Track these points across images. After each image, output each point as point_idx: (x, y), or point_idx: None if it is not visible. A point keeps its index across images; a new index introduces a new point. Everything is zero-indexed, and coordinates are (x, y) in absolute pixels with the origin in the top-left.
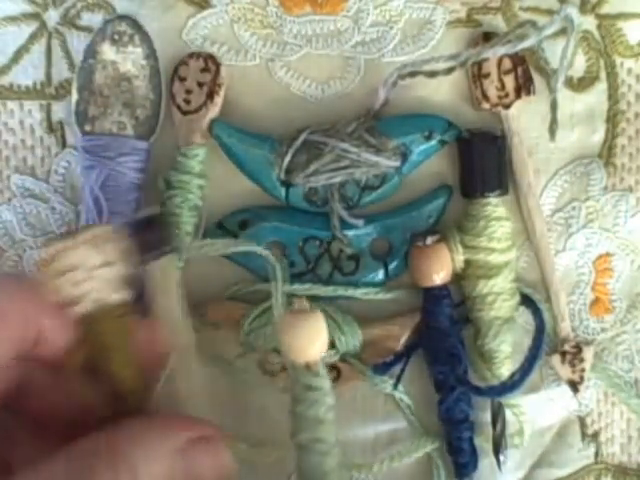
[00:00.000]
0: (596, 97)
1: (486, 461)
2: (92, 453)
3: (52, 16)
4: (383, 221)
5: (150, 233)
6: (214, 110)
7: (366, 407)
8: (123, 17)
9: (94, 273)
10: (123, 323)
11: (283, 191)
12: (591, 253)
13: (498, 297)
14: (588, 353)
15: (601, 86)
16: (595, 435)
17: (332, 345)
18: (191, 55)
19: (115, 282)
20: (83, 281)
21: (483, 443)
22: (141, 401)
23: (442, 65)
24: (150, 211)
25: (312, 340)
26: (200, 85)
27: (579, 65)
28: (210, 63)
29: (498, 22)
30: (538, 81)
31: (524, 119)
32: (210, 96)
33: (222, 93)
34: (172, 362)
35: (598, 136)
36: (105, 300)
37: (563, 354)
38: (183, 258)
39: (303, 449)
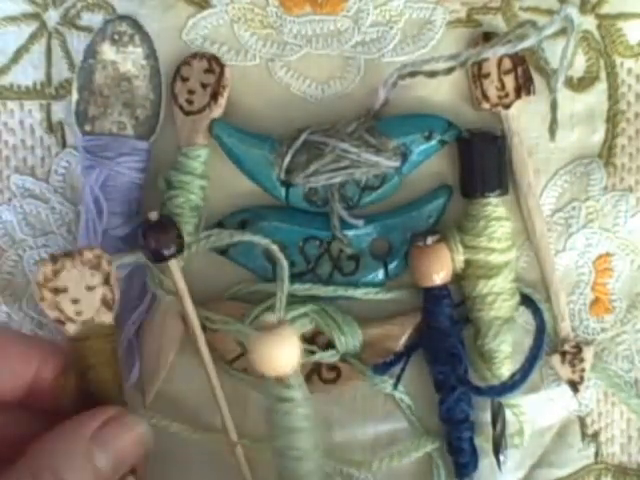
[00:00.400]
0: (596, 97)
1: (486, 461)
2: (16, 473)
3: (52, 16)
4: (383, 221)
5: (164, 233)
6: (217, 111)
7: (366, 407)
8: (123, 17)
9: (91, 293)
10: (110, 342)
11: (283, 191)
12: (591, 253)
13: (498, 297)
14: (588, 353)
15: (601, 86)
16: (595, 435)
17: (332, 345)
18: (194, 55)
19: (106, 303)
20: (80, 299)
21: (483, 443)
22: None
23: (442, 65)
24: (156, 214)
25: (281, 354)
26: (204, 86)
27: (579, 65)
28: (214, 64)
29: (498, 22)
30: (538, 81)
31: (524, 119)
32: (214, 97)
33: (226, 94)
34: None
35: (598, 136)
36: (96, 320)
37: (563, 354)
38: (186, 255)
39: (278, 454)
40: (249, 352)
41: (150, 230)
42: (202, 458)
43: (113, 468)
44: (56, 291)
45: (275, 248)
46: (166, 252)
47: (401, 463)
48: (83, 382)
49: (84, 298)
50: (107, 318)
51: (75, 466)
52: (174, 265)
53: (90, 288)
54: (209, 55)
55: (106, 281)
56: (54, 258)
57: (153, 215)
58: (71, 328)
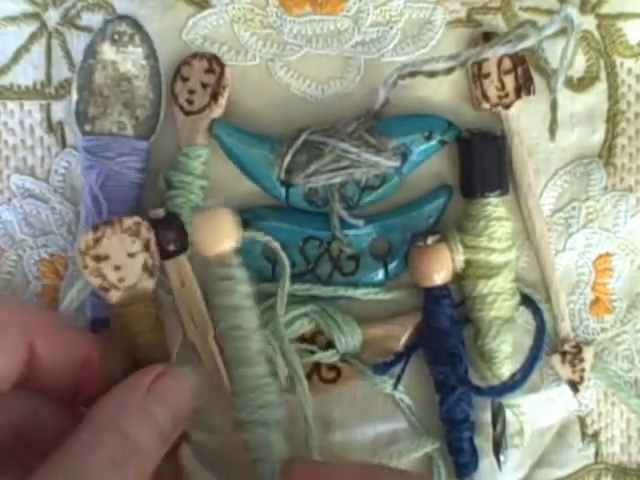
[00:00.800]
0: (596, 97)
1: (486, 461)
2: (79, 433)
3: (52, 16)
4: (383, 221)
5: (168, 231)
6: (218, 111)
7: (366, 407)
8: (123, 17)
9: (132, 259)
10: (153, 308)
11: (283, 191)
12: (591, 253)
13: (498, 297)
14: (588, 353)
15: (601, 86)
16: (595, 435)
17: (332, 345)
18: (194, 55)
19: (148, 269)
20: (122, 266)
21: (483, 443)
22: None
23: (442, 65)
24: (162, 211)
25: (221, 233)
26: (204, 86)
27: (579, 65)
28: (214, 64)
29: (498, 22)
30: (538, 81)
31: (524, 119)
32: (214, 97)
33: (226, 94)
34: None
35: (598, 136)
36: (138, 286)
37: (563, 354)
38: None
39: (224, 337)
40: (192, 236)
41: (156, 227)
42: (202, 458)
43: (171, 421)
44: (98, 258)
45: (276, 245)
46: (173, 248)
47: (401, 463)
48: (130, 349)
49: (126, 265)
50: (149, 284)
51: (136, 420)
52: (184, 260)
53: (131, 255)
54: (209, 55)
55: (146, 247)
56: (95, 226)
57: (159, 212)
58: (115, 295)
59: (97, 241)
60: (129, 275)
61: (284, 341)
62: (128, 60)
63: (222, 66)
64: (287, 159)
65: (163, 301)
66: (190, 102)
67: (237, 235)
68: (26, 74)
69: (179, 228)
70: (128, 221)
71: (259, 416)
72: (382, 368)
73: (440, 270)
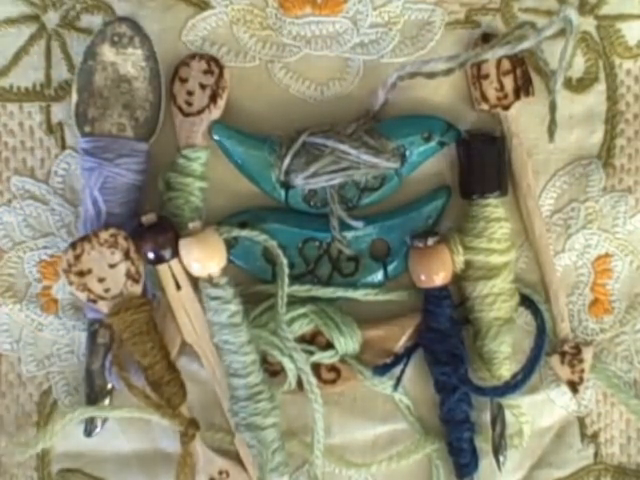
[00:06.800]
0: (595, 98)
1: (485, 462)
2: None
3: (51, 18)
4: (382, 222)
5: (161, 235)
6: (216, 113)
7: (366, 408)
8: (123, 19)
9: (115, 269)
10: (142, 312)
11: (282, 193)
12: (590, 254)
13: (498, 298)
14: (587, 354)
15: (600, 87)
16: (594, 436)
17: (332, 346)
18: (192, 56)
19: (132, 276)
20: (106, 277)
21: (482, 444)
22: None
23: (441, 66)
24: (154, 216)
25: (208, 256)
26: (202, 87)
27: (578, 66)
28: (213, 65)
29: (497, 23)
30: (537, 82)
31: (523, 120)
32: (213, 98)
33: (225, 96)
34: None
35: (597, 137)
36: (125, 293)
37: (562, 355)
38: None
39: (219, 349)
40: (181, 258)
41: (148, 232)
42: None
43: None
44: (81, 274)
45: (273, 244)
46: (167, 252)
47: (400, 464)
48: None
49: (109, 276)
50: (135, 290)
51: None
52: (177, 266)
53: (113, 265)
54: (208, 56)
55: (127, 256)
56: (73, 244)
57: (149, 218)
58: (103, 305)
59: (77, 258)
60: (114, 285)
61: (289, 341)
62: (128, 62)
63: (221, 67)
64: (286, 161)
65: (162, 302)
66: (189, 103)
67: (224, 255)
68: (26, 76)
69: (172, 232)
70: (104, 234)
71: (252, 421)
72: (382, 369)
73: (440, 271)
